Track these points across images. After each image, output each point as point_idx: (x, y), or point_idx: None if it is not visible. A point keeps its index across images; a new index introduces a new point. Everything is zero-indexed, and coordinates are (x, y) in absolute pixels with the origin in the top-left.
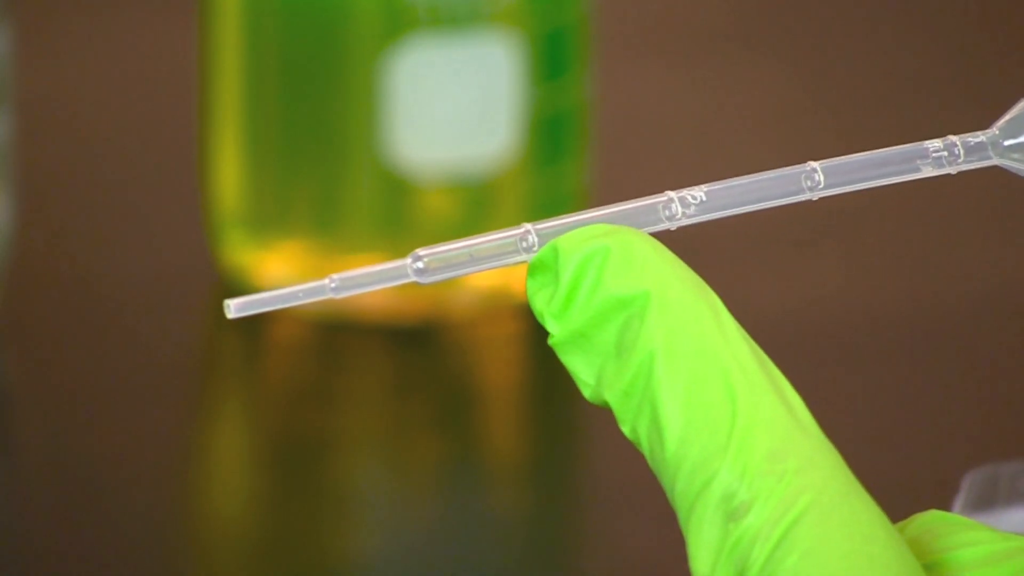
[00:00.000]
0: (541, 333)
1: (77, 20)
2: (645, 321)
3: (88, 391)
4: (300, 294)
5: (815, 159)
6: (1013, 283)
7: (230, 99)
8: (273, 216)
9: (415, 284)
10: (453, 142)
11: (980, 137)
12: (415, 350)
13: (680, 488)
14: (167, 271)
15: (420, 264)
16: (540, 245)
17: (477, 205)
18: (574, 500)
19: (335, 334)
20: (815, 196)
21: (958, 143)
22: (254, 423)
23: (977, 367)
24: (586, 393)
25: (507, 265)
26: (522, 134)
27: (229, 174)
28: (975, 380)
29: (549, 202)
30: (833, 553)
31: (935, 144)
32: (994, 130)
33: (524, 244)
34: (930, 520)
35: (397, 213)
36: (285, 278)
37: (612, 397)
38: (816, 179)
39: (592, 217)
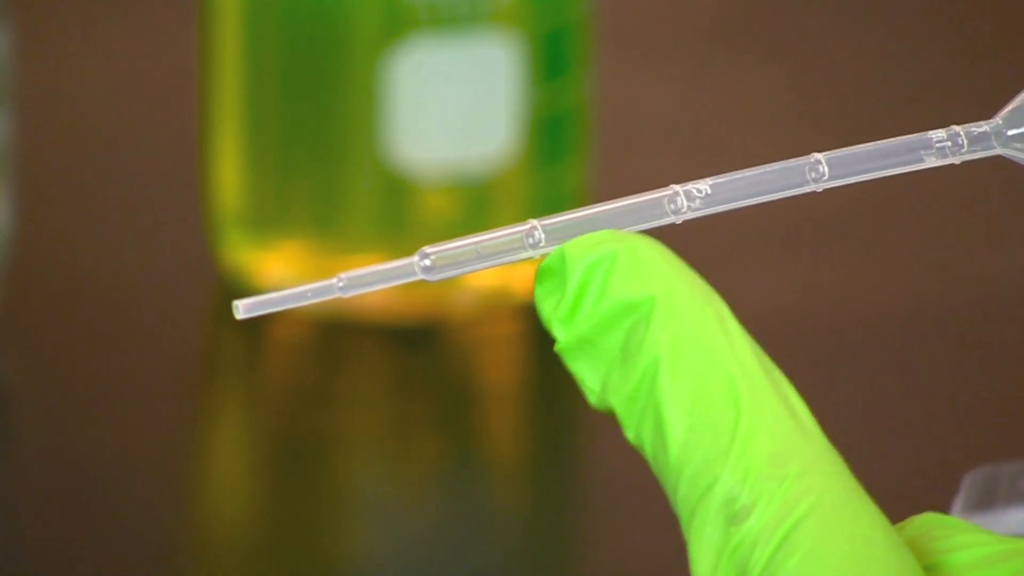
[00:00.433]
0: (541, 333)
1: (77, 20)
2: (650, 326)
3: (88, 391)
4: (309, 294)
5: None
6: (1013, 283)
7: (230, 99)
8: (273, 216)
9: (415, 284)
10: (453, 142)
11: (984, 127)
12: (415, 350)
13: (682, 492)
14: (167, 271)
15: (427, 262)
16: (547, 241)
17: (477, 205)
18: (574, 500)
19: (335, 334)
20: (820, 187)
21: (961, 133)
22: (254, 423)
23: (977, 367)
24: (591, 400)
25: (514, 261)
26: (522, 134)
27: (229, 174)
28: (975, 380)
29: (549, 202)
30: (834, 555)
31: (939, 134)
32: (997, 120)
33: (530, 240)
34: (926, 523)
35: (397, 213)
36: (285, 278)
37: (617, 403)
38: (820, 170)
39: (598, 212)
